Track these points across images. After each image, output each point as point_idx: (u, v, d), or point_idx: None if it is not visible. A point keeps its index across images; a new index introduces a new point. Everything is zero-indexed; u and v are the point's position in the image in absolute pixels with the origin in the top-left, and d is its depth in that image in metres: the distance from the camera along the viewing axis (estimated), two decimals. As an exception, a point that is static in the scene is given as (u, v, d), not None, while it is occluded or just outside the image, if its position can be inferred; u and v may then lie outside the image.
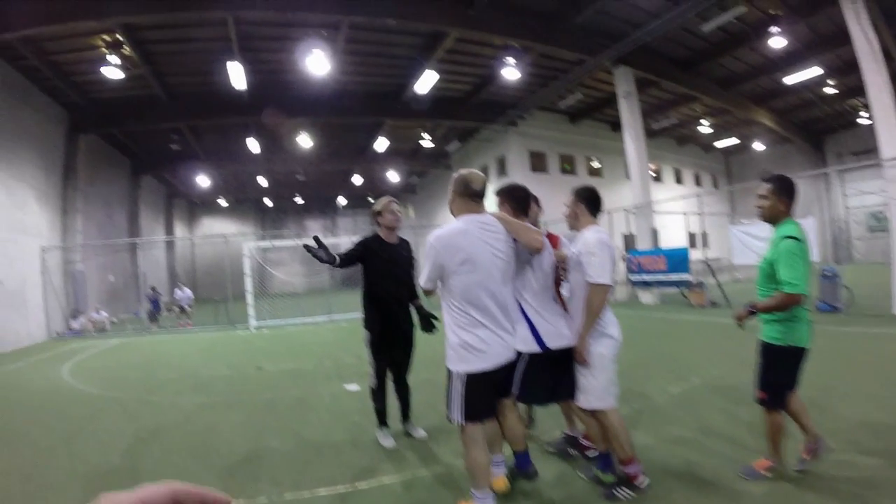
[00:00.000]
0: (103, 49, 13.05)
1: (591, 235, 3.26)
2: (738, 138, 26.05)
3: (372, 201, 36.38)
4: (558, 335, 3.23)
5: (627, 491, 3.18)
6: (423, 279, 2.94)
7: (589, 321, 3.16)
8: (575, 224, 3.47)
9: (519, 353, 3.13)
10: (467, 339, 2.81)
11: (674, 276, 13.53)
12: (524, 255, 3.15)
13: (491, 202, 3.22)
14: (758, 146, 27.50)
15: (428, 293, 3.02)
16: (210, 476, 3.98)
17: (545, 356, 3.19)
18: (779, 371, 3.19)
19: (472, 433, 2.89)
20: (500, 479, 3.35)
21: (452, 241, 2.84)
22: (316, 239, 3.90)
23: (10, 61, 13.19)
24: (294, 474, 3.93)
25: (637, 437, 4.00)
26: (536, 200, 3.88)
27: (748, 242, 12.99)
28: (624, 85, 16.01)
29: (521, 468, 3.48)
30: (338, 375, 7.56)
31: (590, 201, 3.42)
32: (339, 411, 5.62)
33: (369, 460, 4.13)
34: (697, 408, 4.89)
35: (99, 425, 5.55)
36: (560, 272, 3.46)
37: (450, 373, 2.91)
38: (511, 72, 15.35)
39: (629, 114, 16.07)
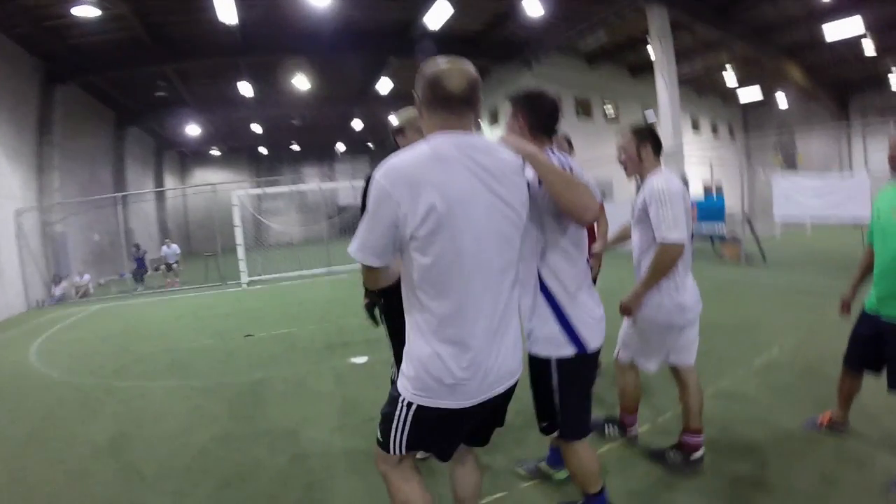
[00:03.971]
0: (75, -15, 11.44)
1: (659, 182, 2.60)
2: (762, 91, 24.75)
3: (372, 147, 34.87)
4: (601, 328, 2.14)
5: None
6: (354, 244, 1.57)
7: (650, 279, 2.56)
8: (638, 169, 2.79)
9: (539, 361, 2.07)
10: (425, 354, 1.57)
11: (706, 228, 12.32)
12: (546, 200, 1.95)
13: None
14: (780, 101, 26.29)
15: (371, 275, 1.64)
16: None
17: (586, 359, 2.08)
18: None
19: (401, 471, 1.77)
20: None
21: (413, 174, 1.49)
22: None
23: (-28, 10, 11.52)
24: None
25: (740, 435, 3.20)
26: (569, 141, 3.30)
27: (793, 195, 11.79)
28: (658, 25, 14.60)
29: None
30: (341, 343, 6.56)
31: (655, 139, 2.79)
32: (347, 399, 4.54)
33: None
34: (791, 387, 3.98)
35: (50, 432, 4.34)
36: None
37: (394, 395, 1.69)
38: (533, 6, 13.63)
39: (663, 55, 14.74)
